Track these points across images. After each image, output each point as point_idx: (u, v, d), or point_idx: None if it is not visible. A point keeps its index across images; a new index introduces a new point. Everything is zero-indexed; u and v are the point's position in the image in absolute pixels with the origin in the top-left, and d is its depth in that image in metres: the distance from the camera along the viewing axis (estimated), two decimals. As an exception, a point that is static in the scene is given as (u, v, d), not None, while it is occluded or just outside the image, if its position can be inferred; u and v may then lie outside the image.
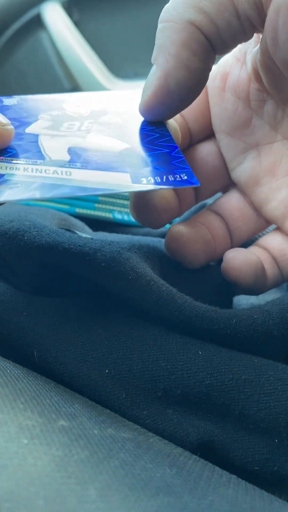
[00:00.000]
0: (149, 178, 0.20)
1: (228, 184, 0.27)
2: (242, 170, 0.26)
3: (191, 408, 0.21)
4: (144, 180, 0.19)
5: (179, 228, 0.25)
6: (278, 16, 0.18)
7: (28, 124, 0.22)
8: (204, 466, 0.17)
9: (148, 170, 0.20)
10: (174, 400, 0.21)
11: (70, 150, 0.21)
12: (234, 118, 0.25)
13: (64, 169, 0.19)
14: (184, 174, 0.20)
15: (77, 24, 0.86)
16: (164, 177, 0.20)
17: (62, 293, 0.24)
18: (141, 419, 0.20)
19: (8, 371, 0.19)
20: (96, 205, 0.41)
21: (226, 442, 0.20)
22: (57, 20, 0.82)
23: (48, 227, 0.23)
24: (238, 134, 0.25)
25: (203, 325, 0.21)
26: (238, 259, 0.24)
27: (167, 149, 0.22)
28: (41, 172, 0.19)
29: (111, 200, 0.41)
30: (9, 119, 0.22)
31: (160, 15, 0.20)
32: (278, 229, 0.26)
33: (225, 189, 0.28)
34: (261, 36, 0.21)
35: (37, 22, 0.85)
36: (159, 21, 0.20)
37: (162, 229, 0.37)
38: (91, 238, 0.23)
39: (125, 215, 0.40)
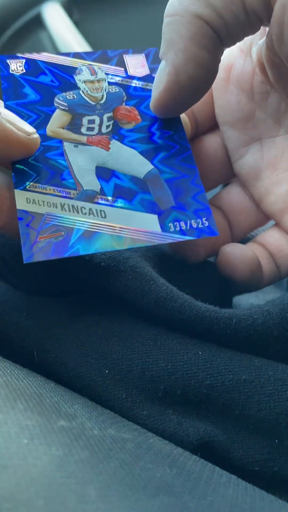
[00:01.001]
0: (175, 223, 0.21)
1: (230, 176, 0.27)
2: (244, 163, 0.26)
3: (191, 409, 0.21)
4: (171, 227, 0.21)
5: None
6: (284, 12, 0.18)
7: (45, 112, 0.23)
8: (204, 466, 0.17)
9: (172, 208, 0.22)
10: (174, 400, 0.21)
11: (98, 173, 0.22)
12: (237, 110, 0.25)
13: (99, 208, 0.21)
14: (205, 219, 0.22)
15: (77, 24, 0.86)
16: (188, 223, 0.22)
17: (62, 293, 0.24)
18: (141, 419, 0.20)
19: (8, 371, 0.19)
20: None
21: (226, 442, 0.20)
22: (57, 20, 0.82)
23: None
24: (241, 127, 0.25)
25: (203, 325, 0.21)
26: (233, 254, 0.24)
27: (188, 174, 0.23)
28: (77, 211, 0.21)
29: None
30: (23, 103, 0.23)
31: (166, 9, 0.20)
32: (277, 225, 0.26)
33: (226, 181, 0.28)
34: (267, 29, 0.21)
35: (37, 22, 0.85)
36: (165, 15, 0.20)
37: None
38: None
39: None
